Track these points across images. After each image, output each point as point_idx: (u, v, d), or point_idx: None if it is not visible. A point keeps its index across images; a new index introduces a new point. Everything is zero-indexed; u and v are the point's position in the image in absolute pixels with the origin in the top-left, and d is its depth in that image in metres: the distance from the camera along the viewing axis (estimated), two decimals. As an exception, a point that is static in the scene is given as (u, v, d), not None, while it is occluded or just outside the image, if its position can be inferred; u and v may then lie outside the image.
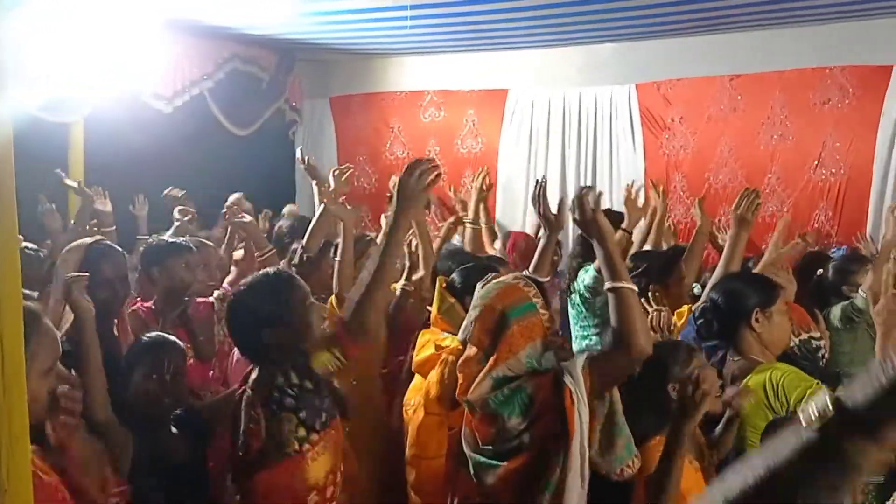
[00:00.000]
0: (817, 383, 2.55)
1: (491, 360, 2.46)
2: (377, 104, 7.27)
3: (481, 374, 2.46)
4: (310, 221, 4.34)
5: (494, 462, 2.42)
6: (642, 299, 3.32)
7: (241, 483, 2.44)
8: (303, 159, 4.71)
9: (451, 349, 2.92)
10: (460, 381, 2.52)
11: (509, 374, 2.43)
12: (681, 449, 2.30)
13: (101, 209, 4.52)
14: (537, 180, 3.21)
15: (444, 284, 3.25)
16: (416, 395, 3.06)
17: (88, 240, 3.26)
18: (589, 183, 6.45)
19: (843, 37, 5.62)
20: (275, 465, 2.31)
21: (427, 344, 3.10)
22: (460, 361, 2.55)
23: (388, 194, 4.50)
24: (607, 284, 2.35)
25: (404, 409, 3.13)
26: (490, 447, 2.45)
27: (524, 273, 2.94)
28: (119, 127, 5.20)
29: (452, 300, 3.17)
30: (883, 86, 5.53)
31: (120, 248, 3.37)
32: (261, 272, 2.65)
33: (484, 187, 6.25)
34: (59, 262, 3.09)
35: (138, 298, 3.82)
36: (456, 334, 2.89)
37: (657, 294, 3.46)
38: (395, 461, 3.15)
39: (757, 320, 2.74)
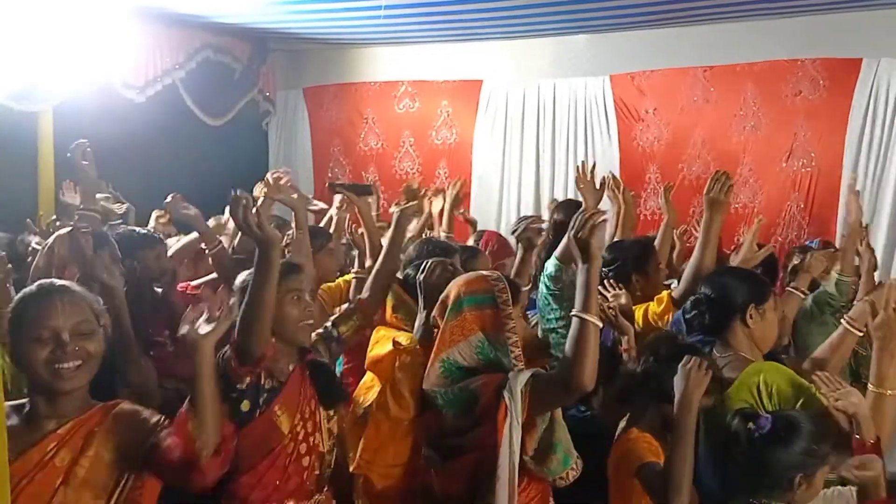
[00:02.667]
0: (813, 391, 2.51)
1: (438, 342, 2.47)
2: (351, 95, 7.23)
3: (431, 357, 2.48)
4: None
5: (435, 457, 2.48)
6: (610, 285, 3.33)
7: None
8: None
9: (406, 349, 2.79)
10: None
11: (459, 362, 2.43)
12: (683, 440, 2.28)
13: (70, 202, 4.42)
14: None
15: (399, 280, 3.17)
16: (368, 392, 2.92)
17: (66, 231, 3.22)
18: (563, 174, 6.47)
19: (814, 29, 5.69)
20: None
21: (382, 340, 2.96)
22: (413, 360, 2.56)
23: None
24: (575, 311, 2.30)
25: (353, 406, 2.98)
26: (436, 443, 2.49)
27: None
28: (90, 117, 5.10)
29: (406, 297, 3.05)
30: (853, 78, 5.62)
31: (111, 238, 3.35)
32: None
33: (460, 195, 5.98)
34: (45, 252, 3.06)
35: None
36: (411, 332, 2.80)
37: (638, 282, 3.46)
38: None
39: (751, 316, 2.72)
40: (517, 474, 2.31)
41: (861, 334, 2.81)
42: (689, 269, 3.25)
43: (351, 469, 2.76)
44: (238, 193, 2.31)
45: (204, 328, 1.87)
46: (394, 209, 3.20)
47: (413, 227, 4.43)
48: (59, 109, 5.30)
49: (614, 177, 4.42)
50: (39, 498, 1.75)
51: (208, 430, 1.82)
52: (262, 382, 2.43)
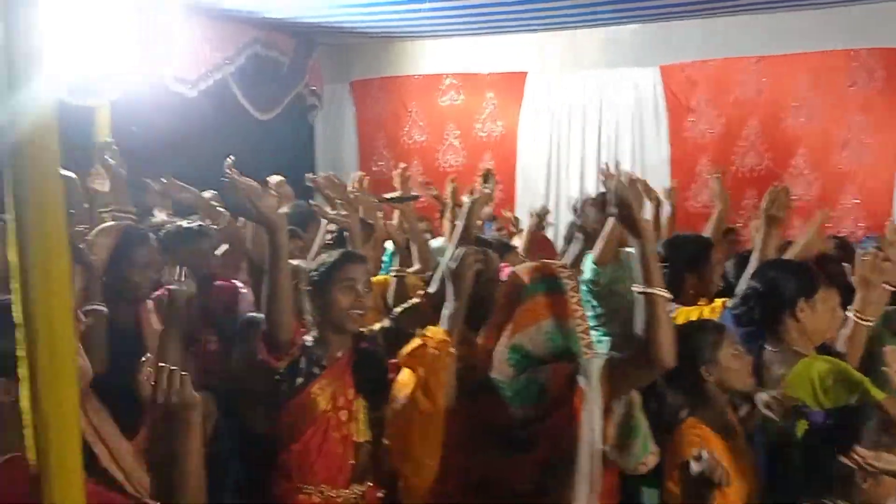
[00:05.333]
0: (868, 384, 2.47)
1: (509, 328, 2.41)
2: (396, 88, 7.25)
3: (499, 344, 2.41)
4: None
5: (504, 452, 2.39)
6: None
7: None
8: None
9: (437, 342, 2.74)
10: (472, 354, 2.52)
11: (528, 348, 2.38)
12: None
13: (99, 188, 4.36)
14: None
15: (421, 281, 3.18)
16: (404, 389, 2.89)
17: (120, 223, 3.25)
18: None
19: (869, 19, 5.56)
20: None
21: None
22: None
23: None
24: (638, 288, 2.20)
25: (391, 402, 2.96)
26: (500, 434, 2.40)
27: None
28: (144, 112, 5.19)
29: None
30: (909, 68, 5.48)
31: (151, 234, 3.36)
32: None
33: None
34: (89, 245, 3.08)
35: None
36: None
37: (692, 282, 3.39)
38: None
39: (801, 310, 2.69)
40: (598, 471, 2.26)
41: (871, 323, 2.79)
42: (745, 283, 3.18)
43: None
44: (232, 178, 2.38)
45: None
46: (465, 199, 3.21)
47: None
48: (115, 104, 5.39)
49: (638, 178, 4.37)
50: None
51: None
52: (302, 365, 2.49)
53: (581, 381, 2.26)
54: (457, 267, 2.55)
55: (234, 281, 3.87)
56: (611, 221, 3.27)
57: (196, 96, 5.91)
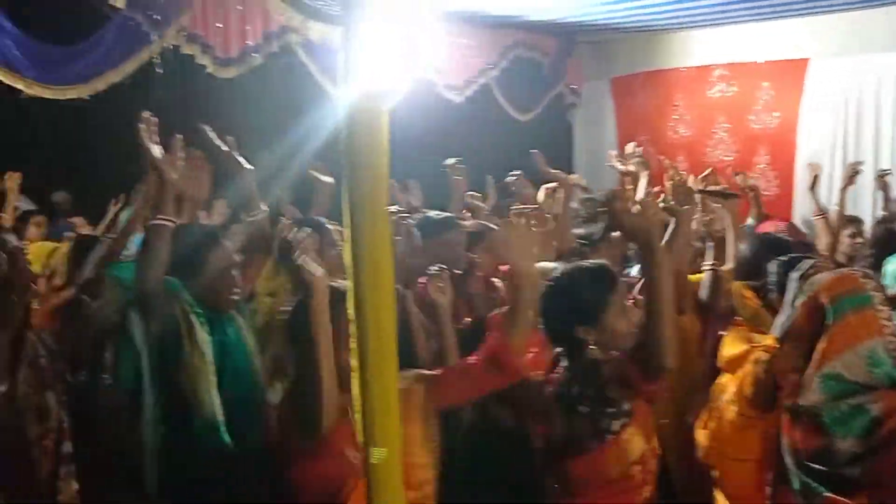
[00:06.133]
0: None
1: (817, 355, 2.15)
2: (660, 82, 7.01)
3: (808, 372, 2.17)
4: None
5: (818, 488, 2.12)
6: None
7: (555, 467, 2.41)
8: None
9: (765, 346, 2.64)
10: (776, 380, 2.29)
11: (845, 377, 2.12)
12: None
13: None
14: None
15: (742, 286, 2.97)
16: (721, 393, 2.84)
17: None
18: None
19: None
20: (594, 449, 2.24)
21: (736, 340, 2.86)
22: (773, 357, 2.32)
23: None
24: None
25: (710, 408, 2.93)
26: (816, 466, 2.14)
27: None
28: (418, 118, 5.47)
29: (756, 305, 2.87)
30: None
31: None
32: (583, 263, 2.51)
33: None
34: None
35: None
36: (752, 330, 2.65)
37: None
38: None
39: None
40: None
41: None
42: None
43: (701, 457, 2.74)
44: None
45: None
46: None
47: None
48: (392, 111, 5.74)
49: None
50: None
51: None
52: None
53: None
54: (802, 275, 2.37)
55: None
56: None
57: (462, 101, 6.15)
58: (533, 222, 2.22)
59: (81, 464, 2.34)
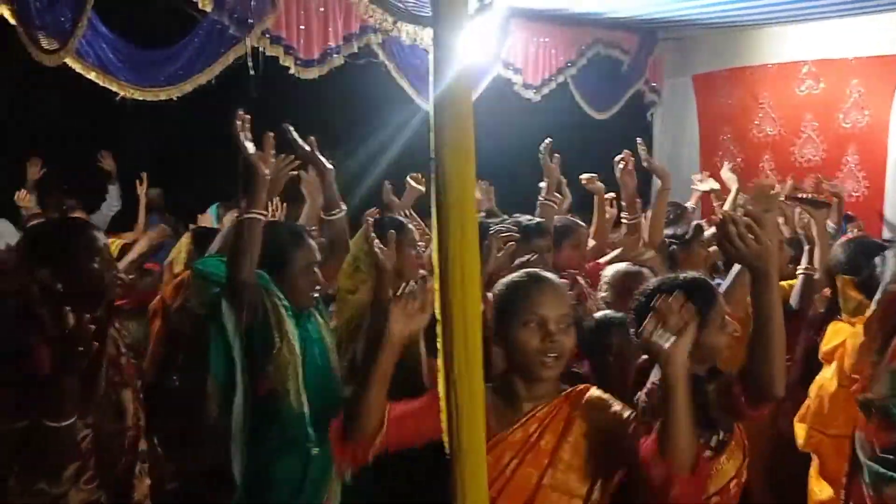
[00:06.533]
0: None
1: (890, 351, 2.15)
2: (745, 79, 6.81)
3: (881, 365, 2.18)
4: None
5: (886, 473, 2.13)
6: None
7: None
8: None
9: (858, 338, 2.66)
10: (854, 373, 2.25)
11: None
12: None
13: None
14: None
15: (847, 280, 2.92)
16: (821, 382, 2.87)
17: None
18: None
19: None
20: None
21: (839, 332, 2.85)
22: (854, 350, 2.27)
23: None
24: None
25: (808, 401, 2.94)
26: (890, 456, 2.14)
27: None
28: (495, 116, 5.47)
29: (860, 297, 2.83)
30: None
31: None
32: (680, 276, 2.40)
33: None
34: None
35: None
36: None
37: None
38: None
39: None
40: None
41: None
42: None
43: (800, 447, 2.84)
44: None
45: (667, 339, 1.66)
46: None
47: None
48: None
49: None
50: (529, 479, 1.78)
51: (685, 448, 1.63)
52: None
53: None
54: None
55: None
56: None
57: (538, 100, 6.11)
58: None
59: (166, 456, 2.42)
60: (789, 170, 6.33)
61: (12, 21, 3.65)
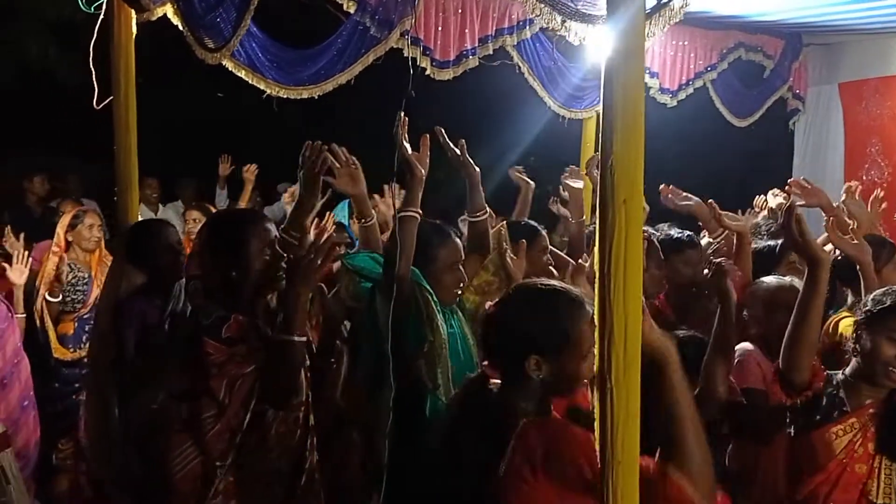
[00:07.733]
0: None
1: None
2: (896, 89, 6.41)
3: None
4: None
5: None
6: None
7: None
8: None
9: None
10: None
11: None
12: None
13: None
14: None
15: None
16: None
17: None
18: None
19: None
20: None
21: None
22: None
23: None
24: None
25: None
26: None
27: None
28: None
29: None
30: None
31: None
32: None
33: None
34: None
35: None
36: None
37: None
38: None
39: None
40: None
41: None
42: None
43: None
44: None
45: None
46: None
47: None
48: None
49: None
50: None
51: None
52: (823, 403, 2.33)
53: None
54: None
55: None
56: None
57: (675, 105, 5.96)
58: None
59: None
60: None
61: (175, 21, 3.86)
